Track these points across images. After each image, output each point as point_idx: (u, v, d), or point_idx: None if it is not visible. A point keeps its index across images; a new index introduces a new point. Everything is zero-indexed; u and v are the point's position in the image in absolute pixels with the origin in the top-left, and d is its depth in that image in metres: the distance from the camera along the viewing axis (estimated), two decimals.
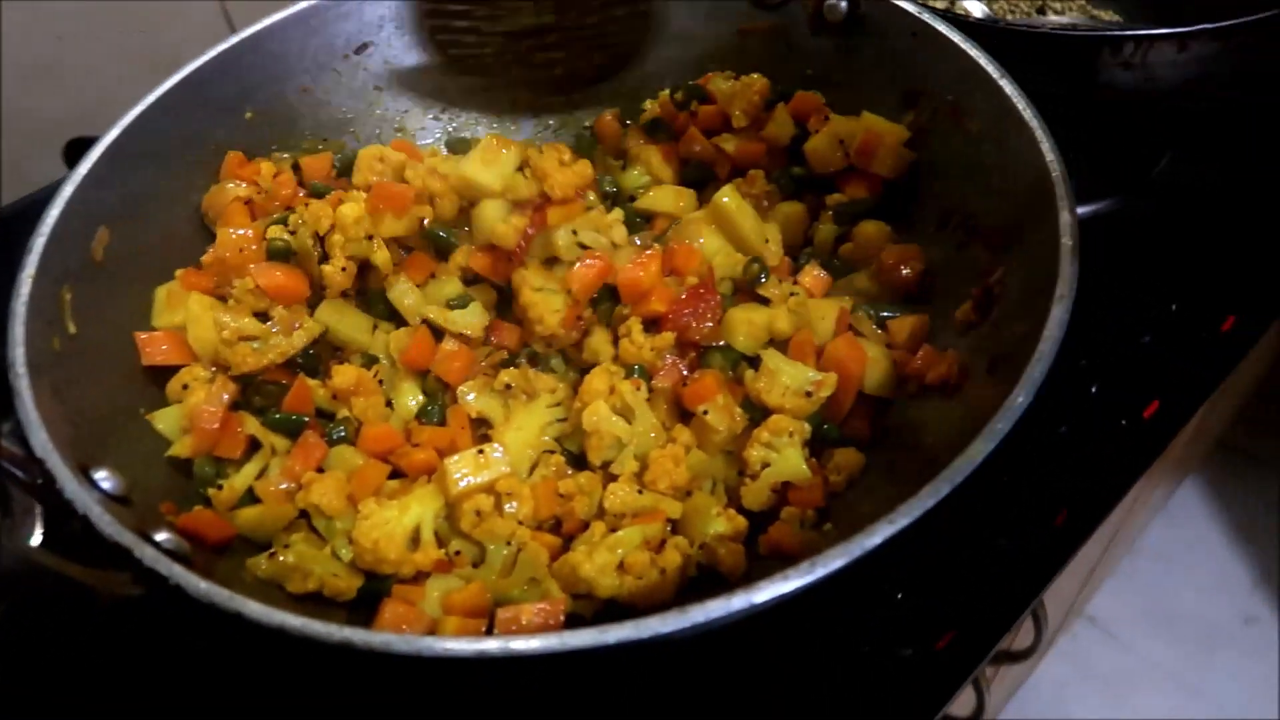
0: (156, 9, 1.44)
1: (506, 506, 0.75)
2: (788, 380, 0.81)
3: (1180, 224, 1.29)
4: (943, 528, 0.97)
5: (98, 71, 1.45)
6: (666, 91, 1.07)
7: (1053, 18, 1.39)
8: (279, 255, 0.88)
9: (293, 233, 0.88)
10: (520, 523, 0.76)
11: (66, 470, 0.63)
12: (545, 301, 0.85)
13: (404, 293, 0.89)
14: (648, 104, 1.09)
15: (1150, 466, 1.12)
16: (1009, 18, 1.41)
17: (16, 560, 0.48)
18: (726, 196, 0.91)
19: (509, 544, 0.75)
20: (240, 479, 0.79)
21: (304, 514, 0.78)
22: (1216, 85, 1.09)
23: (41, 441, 0.65)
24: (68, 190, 0.83)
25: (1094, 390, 1.13)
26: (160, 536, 0.64)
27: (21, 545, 0.49)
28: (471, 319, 0.88)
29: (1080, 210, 0.74)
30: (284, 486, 0.77)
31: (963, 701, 1.22)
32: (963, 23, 0.98)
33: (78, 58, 1.42)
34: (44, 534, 0.72)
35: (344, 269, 0.88)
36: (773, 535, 0.76)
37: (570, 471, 0.82)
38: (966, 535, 0.98)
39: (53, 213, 0.81)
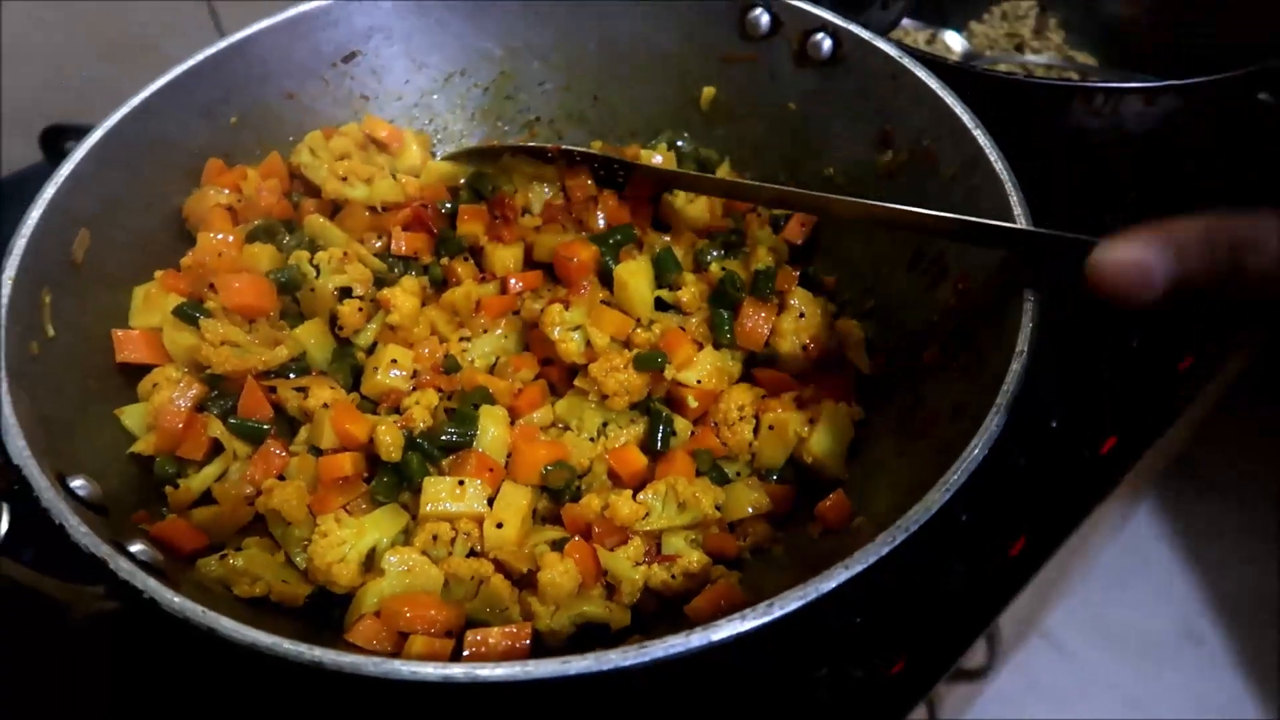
0: None
1: (460, 536, 0.77)
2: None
3: None
4: (902, 555, 1.01)
5: (77, 57, 1.44)
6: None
7: (1030, 56, 1.43)
8: (286, 289, 0.91)
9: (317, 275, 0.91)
10: (475, 552, 0.78)
11: (44, 479, 0.64)
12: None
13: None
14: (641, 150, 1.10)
15: (1106, 498, 1.16)
16: (988, 53, 1.45)
17: None
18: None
19: (471, 577, 0.76)
20: (199, 480, 0.80)
21: (258, 520, 0.80)
22: (1182, 135, 1.13)
23: (19, 449, 0.66)
24: (49, 191, 0.83)
25: (1054, 425, 1.16)
26: (135, 548, 0.65)
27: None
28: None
29: None
30: (246, 491, 0.78)
31: (913, 717, 1.25)
32: (941, 67, 1.01)
33: (58, 41, 1.41)
34: (6, 536, 0.73)
35: (360, 309, 0.91)
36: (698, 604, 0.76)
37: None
38: (925, 562, 1.01)
39: (32, 215, 0.81)
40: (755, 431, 0.86)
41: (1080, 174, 1.28)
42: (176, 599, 0.59)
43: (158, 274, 0.90)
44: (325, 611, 0.77)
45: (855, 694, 0.91)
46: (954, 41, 1.42)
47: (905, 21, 1.40)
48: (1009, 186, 0.82)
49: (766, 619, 0.58)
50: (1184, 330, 1.25)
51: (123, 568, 0.60)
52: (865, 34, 0.96)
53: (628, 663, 0.57)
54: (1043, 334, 0.74)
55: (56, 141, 1.27)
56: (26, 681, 0.73)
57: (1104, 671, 2.70)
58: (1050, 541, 1.09)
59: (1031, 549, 1.06)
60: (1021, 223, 0.79)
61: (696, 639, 0.57)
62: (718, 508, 0.82)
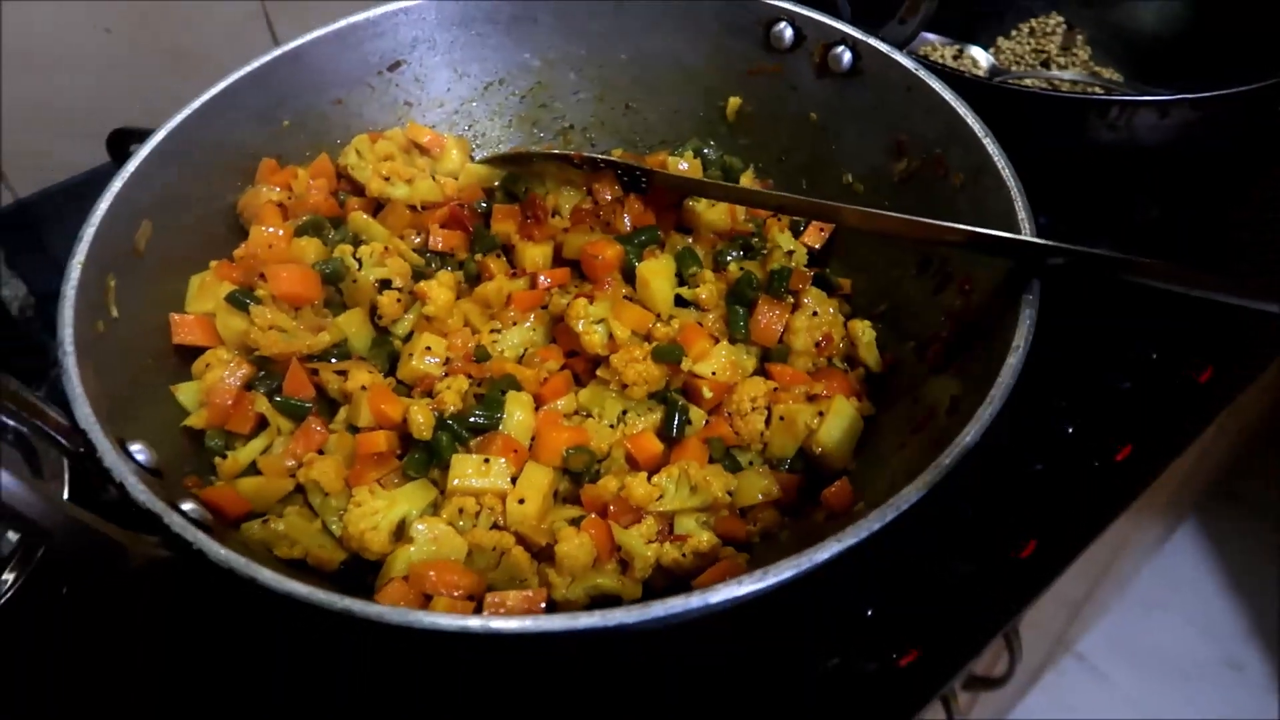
0: (200, 8, 1.51)
1: (484, 511, 0.82)
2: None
3: None
4: (916, 551, 1.04)
5: (140, 65, 1.52)
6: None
7: (1056, 72, 1.45)
8: (331, 279, 0.97)
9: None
10: (498, 526, 0.83)
11: (107, 442, 0.70)
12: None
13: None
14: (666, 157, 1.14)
15: (1127, 509, 1.18)
16: (1014, 69, 1.48)
17: (59, 516, 0.55)
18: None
19: (493, 548, 0.81)
20: (245, 452, 0.87)
21: (298, 490, 0.86)
22: (1197, 148, 1.16)
23: (85, 415, 0.72)
24: (116, 186, 0.90)
25: (1070, 431, 1.19)
26: (186, 506, 0.71)
27: (66, 505, 0.56)
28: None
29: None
30: (288, 464, 0.84)
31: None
32: (960, 81, 1.05)
33: (122, 51, 1.49)
34: (69, 493, 0.80)
35: (398, 300, 0.96)
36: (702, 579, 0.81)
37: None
38: (939, 559, 1.04)
39: (101, 207, 0.88)
40: (767, 423, 0.90)
41: (1099, 187, 1.31)
42: (223, 551, 0.65)
43: (213, 264, 0.97)
44: (358, 577, 0.82)
45: (867, 686, 0.94)
46: (980, 57, 1.45)
47: (932, 37, 1.44)
48: (1014, 192, 0.85)
49: (762, 585, 0.63)
50: (1203, 342, 1.27)
51: (175, 522, 0.66)
52: (883, 47, 1.01)
53: (631, 620, 0.61)
54: (1063, 343, 0.78)
55: (121, 144, 1.35)
56: (87, 614, 0.82)
57: (1139, 695, 2.67)
58: (1068, 548, 1.11)
59: (1046, 554, 1.08)
60: (1026, 229, 0.83)
61: (696, 600, 0.62)
62: (729, 494, 0.86)
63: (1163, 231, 1.38)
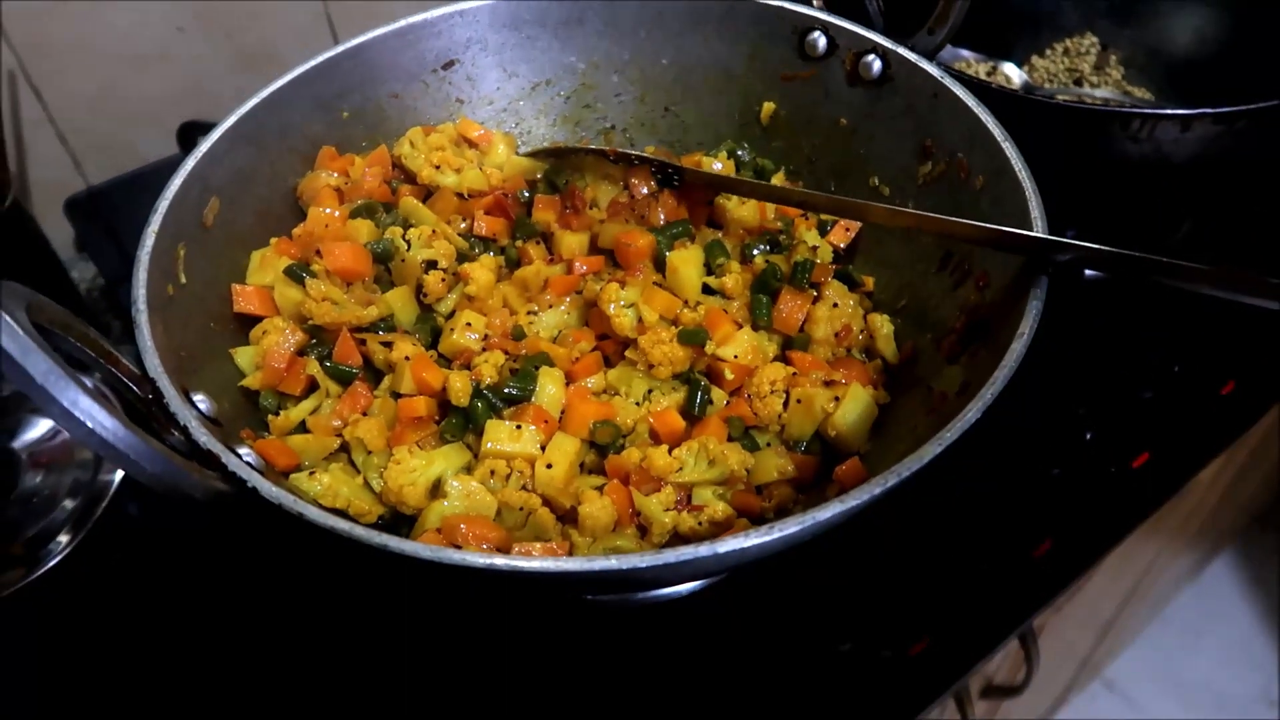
0: (266, 10, 1.60)
1: (514, 474, 0.88)
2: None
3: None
4: (933, 547, 1.08)
5: (209, 63, 1.61)
6: None
7: (1088, 89, 1.49)
8: (381, 258, 1.03)
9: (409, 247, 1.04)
10: (526, 488, 0.88)
11: (173, 390, 0.77)
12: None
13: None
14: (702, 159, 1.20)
15: (1145, 519, 1.20)
16: (1047, 85, 1.51)
17: (144, 449, 0.62)
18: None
19: (520, 508, 0.87)
20: (296, 412, 0.93)
21: (344, 449, 0.92)
22: (1221, 163, 1.18)
23: (154, 365, 0.79)
24: (190, 164, 0.97)
25: (1089, 437, 1.22)
26: (242, 451, 0.77)
27: (147, 437, 0.62)
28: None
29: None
30: (334, 423, 0.91)
31: None
32: (989, 92, 1.09)
33: (192, 48, 1.58)
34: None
35: (443, 280, 1.03)
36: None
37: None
38: (952, 554, 1.08)
39: (175, 182, 0.95)
40: (785, 405, 0.95)
41: (1127, 201, 1.34)
42: (274, 489, 0.71)
43: (273, 240, 1.04)
44: (394, 532, 0.88)
45: (879, 673, 0.98)
46: (1014, 74, 1.49)
47: (966, 53, 1.48)
48: (1029, 192, 0.89)
49: (767, 538, 0.67)
50: (1227, 356, 1.29)
51: (232, 462, 0.72)
52: (912, 56, 1.06)
53: (644, 564, 0.66)
54: (1084, 351, 0.81)
55: (190, 136, 1.45)
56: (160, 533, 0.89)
57: None
58: (1083, 553, 1.13)
59: (1062, 557, 1.11)
60: (1038, 224, 0.87)
61: (705, 550, 0.66)
62: (747, 471, 0.91)
63: (1194, 245, 1.40)
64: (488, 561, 0.66)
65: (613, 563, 0.66)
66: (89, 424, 0.59)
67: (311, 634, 1.02)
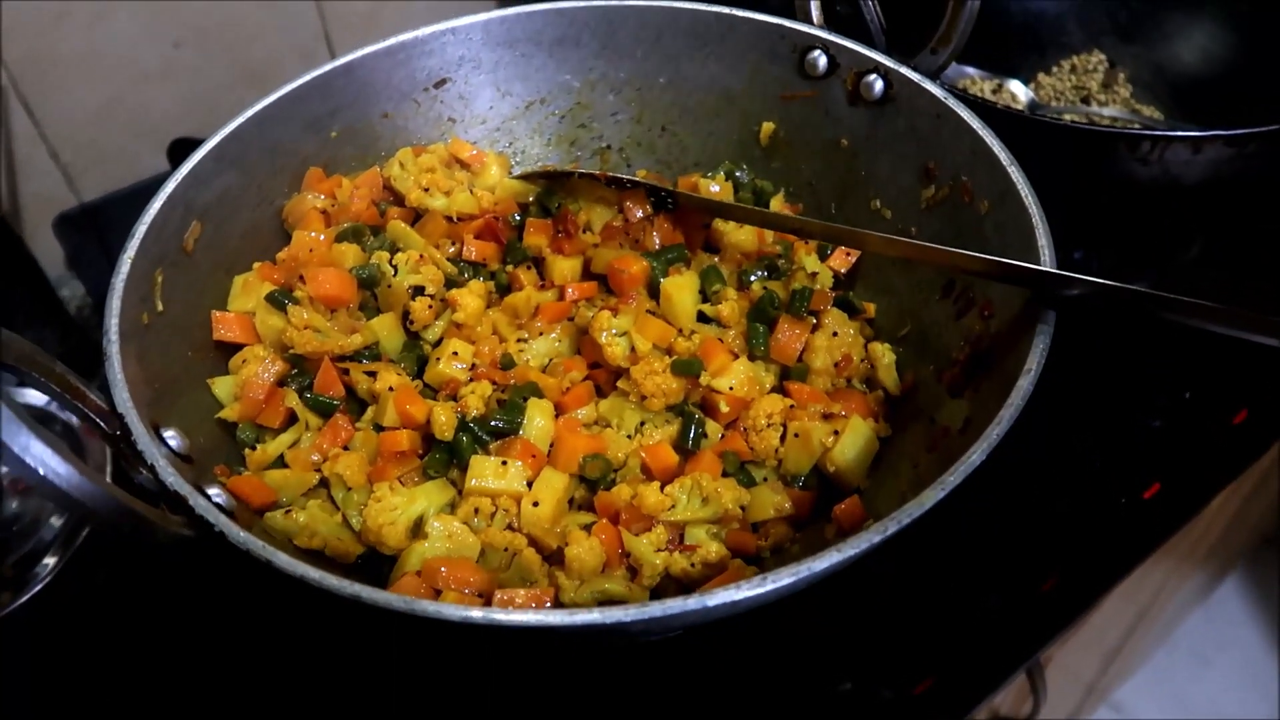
0: (263, 26, 1.58)
1: (499, 512, 0.84)
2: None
3: None
4: (936, 581, 1.04)
5: (204, 78, 1.59)
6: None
7: (1095, 108, 1.46)
8: (367, 284, 1.00)
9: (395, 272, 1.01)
10: (512, 527, 0.85)
11: (141, 427, 0.74)
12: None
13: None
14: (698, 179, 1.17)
15: (1154, 550, 1.16)
16: (1054, 104, 1.48)
17: (99, 495, 0.59)
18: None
19: (505, 549, 0.83)
20: (274, 445, 0.90)
21: (323, 484, 0.89)
22: (1232, 183, 1.15)
23: (123, 400, 0.76)
24: (170, 187, 0.94)
25: (1097, 467, 1.18)
26: (212, 491, 0.74)
27: (104, 483, 0.59)
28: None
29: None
30: (313, 458, 0.87)
31: None
32: (989, 110, 1.06)
33: (188, 64, 1.56)
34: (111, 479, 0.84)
35: (430, 307, 1.00)
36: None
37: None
38: (957, 589, 1.04)
39: (155, 205, 0.92)
40: (782, 439, 0.91)
41: (1136, 223, 1.30)
42: (242, 534, 0.68)
43: (256, 265, 1.01)
44: (374, 570, 0.85)
45: (882, 713, 0.94)
46: (1019, 91, 1.46)
47: (972, 71, 1.45)
48: (1035, 218, 0.86)
49: (760, 590, 0.64)
50: (1240, 384, 1.25)
51: (199, 504, 0.69)
52: (914, 76, 1.02)
53: (629, 619, 0.62)
54: (1093, 381, 0.77)
55: (182, 153, 1.41)
56: (114, 582, 0.86)
57: None
58: (1091, 586, 1.09)
59: (1070, 591, 1.07)
60: (1044, 255, 0.84)
61: (693, 602, 0.63)
62: (742, 508, 0.87)
63: (1204, 269, 1.37)
64: (463, 614, 0.63)
65: (595, 616, 0.63)
66: (41, 470, 0.56)
67: (302, 650, 0.98)
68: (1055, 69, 1.52)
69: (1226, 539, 2.24)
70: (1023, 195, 0.88)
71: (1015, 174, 0.90)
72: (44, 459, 0.56)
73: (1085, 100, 1.47)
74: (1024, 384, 0.75)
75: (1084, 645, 1.88)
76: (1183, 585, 2.31)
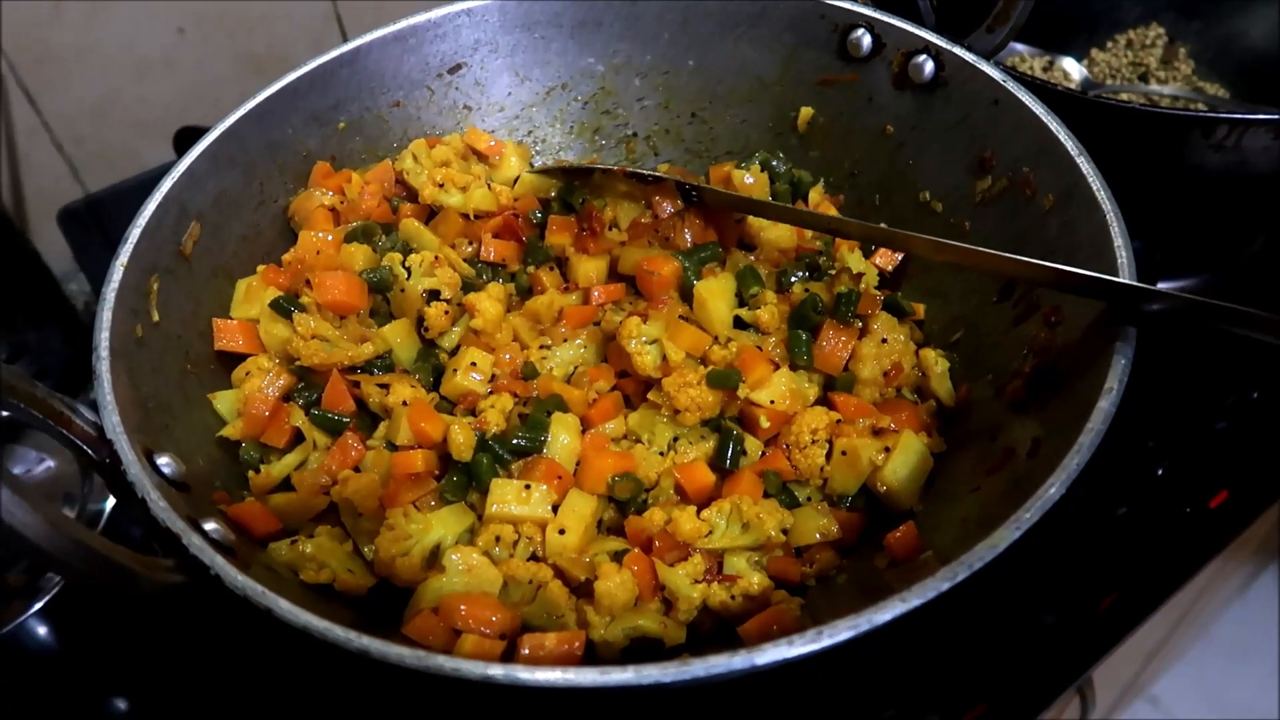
0: (272, 10, 1.51)
1: (522, 540, 0.78)
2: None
3: (1268, 308, 1.25)
4: (987, 597, 0.97)
5: (210, 64, 1.53)
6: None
7: (1155, 86, 1.36)
8: (378, 288, 0.94)
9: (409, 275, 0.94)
10: (536, 557, 0.78)
11: (132, 454, 0.68)
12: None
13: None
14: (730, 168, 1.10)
15: (1214, 558, 1.09)
16: (1109, 82, 1.39)
17: (70, 546, 0.52)
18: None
19: (530, 581, 0.77)
20: (280, 467, 0.84)
21: (332, 509, 0.82)
22: None
23: (113, 424, 0.70)
24: (165, 186, 0.88)
25: (1160, 473, 1.10)
26: (209, 526, 0.68)
27: (73, 527, 0.53)
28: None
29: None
30: (322, 480, 0.81)
31: None
32: (1049, 93, 0.97)
33: (194, 51, 1.50)
34: (117, 500, 0.78)
35: (446, 312, 0.93)
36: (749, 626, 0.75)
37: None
38: (1010, 607, 0.97)
39: (148, 208, 0.86)
40: (828, 457, 0.84)
41: (1200, 213, 1.21)
42: (240, 578, 0.62)
43: (260, 268, 0.95)
44: (389, 603, 0.78)
45: None
46: (1072, 69, 1.37)
47: (1021, 47, 1.36)
48: (1111, 218, 0.78)
49: (815, 647, 0.57)
50: None
51: (194, 544, 0.63)
52: (969, 57, 0.94)
53: (667, 679, 0.56)
54: (1154, 379, 0.70)
55: (188, 142, 1.36)
56: (94, 640, 0.80)
57: None
58: (1150, 599, 1.03)
59: (1127, 605, 1.00)
60: (1122, 261, 0.75)
61: (740, 661, 0.56)
62: (784, 532, 0.80)
63: (1268, 265, 1.28)
64: (483, 672, 0.56)
65: (630, 676, 0.56)
66: (8, 522, 0.50)
67: (319, 657, 0.92)
68: (1110, 44, 1.42)
69: (1272, 535, 2.17)
70: (1095, 191, 0.80)
71: (1086, 166, 0.82)
72: (12, 510, 0.50)
73: (1143, 78, 1.37)
74: (1104, 406, 0.67)
75: (1127, 651, 1.81)
76: (1228, 584, 2.24)
